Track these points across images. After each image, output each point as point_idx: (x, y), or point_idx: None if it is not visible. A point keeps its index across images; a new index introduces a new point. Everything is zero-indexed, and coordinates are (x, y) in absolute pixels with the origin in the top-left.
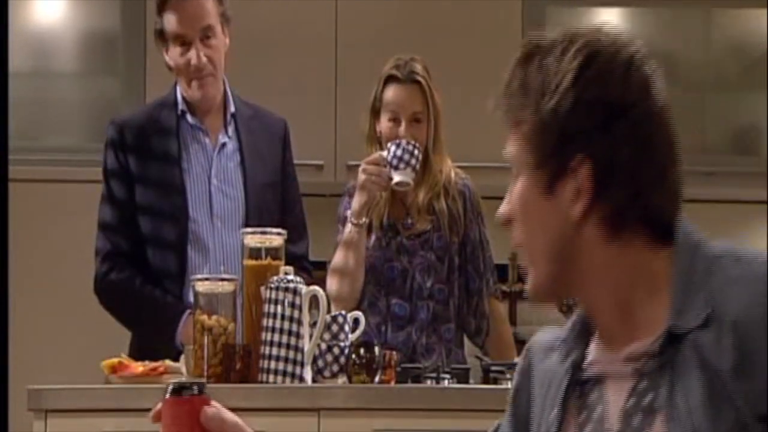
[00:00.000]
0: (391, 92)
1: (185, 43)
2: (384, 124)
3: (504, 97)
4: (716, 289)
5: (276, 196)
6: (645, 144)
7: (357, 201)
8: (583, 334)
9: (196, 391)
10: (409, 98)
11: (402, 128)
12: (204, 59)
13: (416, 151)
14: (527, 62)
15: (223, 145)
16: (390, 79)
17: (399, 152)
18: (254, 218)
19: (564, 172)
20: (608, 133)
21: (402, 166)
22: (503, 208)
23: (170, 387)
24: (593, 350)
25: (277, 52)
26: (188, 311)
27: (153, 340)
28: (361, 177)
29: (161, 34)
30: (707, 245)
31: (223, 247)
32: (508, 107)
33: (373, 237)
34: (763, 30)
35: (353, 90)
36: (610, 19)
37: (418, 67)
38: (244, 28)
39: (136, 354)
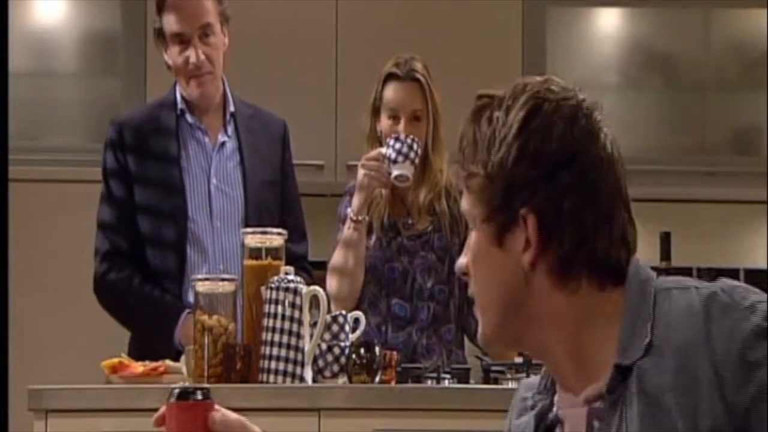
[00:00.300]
0: (390, 90)
1: (184, 42)
2: (384, 122)
3: (458, 151)
4: (661, 317)
5: (276, 196)
6: (590, 192)
7: (357, 198)
8: (553, 382)
9: (201, 397)
10: (409, 96)
11: (401, 126)
12: (202, 57)
13: (415, 145)
14: (479, 116)
15: (223, 144)
16: (390, 77)
17: (398, 145)
18: (254, 218)
19: (512, 224)
20: (552, 184)
21: (401, 159)
22: (461, 259)
23: (175, 391)
24: (559, 395)
25: (277, 52)
26: (187, 311)
27: (152, 339)
28: (361, 173)
29: (161, 34)
30: (656, 280)
31: (223, 247)
32: (461, 161)
33: (374, 237)
34: (763, 30)
35: (353, 90)
36: (610, 19)
37: (418, 66)
38: (244, 28)
39: (136, 354)
